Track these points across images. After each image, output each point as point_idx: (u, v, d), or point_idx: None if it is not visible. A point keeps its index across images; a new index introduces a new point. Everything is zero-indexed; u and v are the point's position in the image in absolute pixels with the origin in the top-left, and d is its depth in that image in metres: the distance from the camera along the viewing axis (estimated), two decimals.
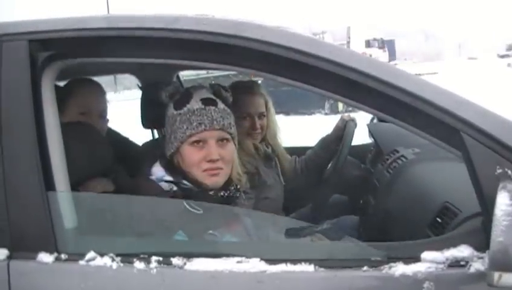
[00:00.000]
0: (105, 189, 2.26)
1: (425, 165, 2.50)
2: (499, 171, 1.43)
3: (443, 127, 1.50)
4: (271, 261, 1.49)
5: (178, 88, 2.04)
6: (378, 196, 2.73)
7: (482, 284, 1.36)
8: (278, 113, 3.24)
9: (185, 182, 1.95)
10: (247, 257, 1.50)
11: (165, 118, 2.02)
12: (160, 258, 1.52)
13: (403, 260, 1.46)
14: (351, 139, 3.02)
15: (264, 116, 3.00)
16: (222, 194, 1.98)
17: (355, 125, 3.13)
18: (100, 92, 2.75)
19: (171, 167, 1.98)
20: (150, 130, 3.51)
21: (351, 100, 1.59)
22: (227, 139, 1.98)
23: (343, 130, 3.09)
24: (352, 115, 3.25)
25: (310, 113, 18.34)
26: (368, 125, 3.58)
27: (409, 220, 2.19)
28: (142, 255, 1.54)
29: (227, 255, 1.51)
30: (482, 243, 1.42)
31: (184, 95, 1.99)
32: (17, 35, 1.65)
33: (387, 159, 2.86)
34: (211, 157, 1.92)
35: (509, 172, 1.42)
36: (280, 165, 3.15)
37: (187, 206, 1.90)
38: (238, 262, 1.49)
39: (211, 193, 1.96)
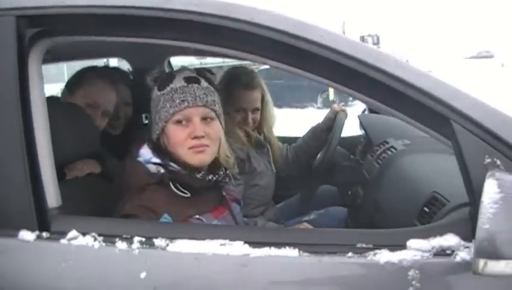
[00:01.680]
0: (92, 170, 2.25)
1: (414, 156, 2.49)
2: (488, 160, 1.42)
3: (434, 116, 1.49)
4: (255, 244, 1.47)
5: (163, 72, 2.05)
6: (367, 187, 2.72)
7: (468, 274, 1.35)
8: None
9: (172, 164, 1.93)
10: (231, 239, 1.48)
11: (151, 102, 2.01)
12: (143, 239, 1.50)
13: (389, 247, 1.44)
14: (341, 130, 3.01)
15: (258, 110, 2.98)
16: (210, 178, 1.97)
17: (346, 116, 3.12)
18: (111, 89, 2.75)
19: (158, 149, 1.97)
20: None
21: (342, 86, 1.58)
22: (211, 117, 1.96)
23: (333, 121, 3.08)
24: (345, 108, 3.24)
25: (303, 107, 18.31)
26: (358, 116, 3.57)
27: (397, 210, 2.18)
28: (124, 236, 1.52)
29: (211, 238, 1.50)
30: (468, 232, 1.41)
31: (167, 76, 2.00)
32: (4, 11, 1.61)
33: (377, 150, 2.85)
34: (196, 134, 1.90)
35: (498, 162, 1.41)
36: (272, 153, 3.14)
37: (174, 189, 1.89)
38: (221, 245, 1.47)
39: (198, 175, 1.95)
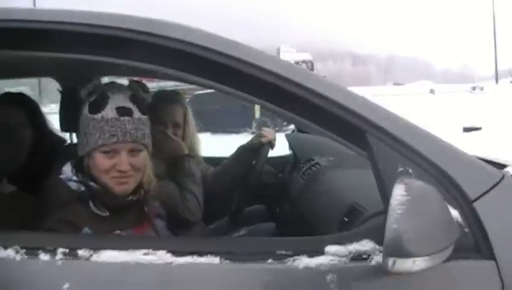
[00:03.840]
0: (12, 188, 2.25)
1: (338, 171, 2.56)
2: (401, 169, 1.49)
3: (350, 128, 1.56)
4: (177, 253, 1.49)
5: (97, 87, 1.99)
6: (293, 203, 2.77)
7: (383, 276, 1.41)
8: (205, 131, 3.23)
9: (92, 183, 1.93)
10: (154, 249, 1.50)
11: (80, 116, 1.99)
12: (67, 250, 1.50)
13: (307, 253, 1.49)
14: (264, 160, 3.03)
15: (179, 126, 2.99)
16: (130, 198, 1.98)
17: (272, 147, 3.13)
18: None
19: (81, 167, 1.97)
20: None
21: (267, 102, 1.62)
22: (139, 149, 1.96)
23: (257, 149, 3.13)
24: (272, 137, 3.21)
25: (237, 132, 18.44)
26: (286, 135, 3.62)
27: (320, 222, 2.23)
28: (48, 248, 1.52)
29: (135, 248, 1.51)
30: (383, 238, 1.47)
31: (100, 98, 1.94)
32: None
33: (303, 167, 2.91)
34: (121, 168, 1.90)
35: (410, 170, 1.49)
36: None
37: (93, 208, 1.91)
38: (144, 254, 1.49)
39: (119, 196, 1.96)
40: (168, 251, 1.50)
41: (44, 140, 2.89)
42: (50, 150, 2.72)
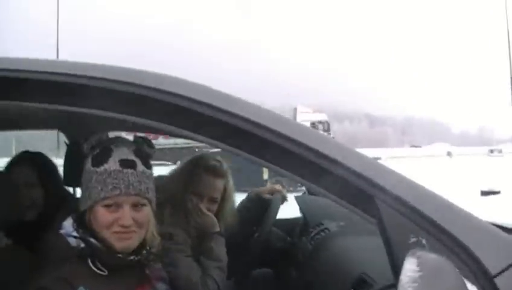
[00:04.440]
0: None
1: (347, 238, 2.50)
2: (413, 239, 1.38)
3: (358, 193, 1.45)
4: None
5: (100, 141, 1.96)
6: (299, 268, 2.69)
7: None
8: None
9: (92, 240, 1.85)
10: None
11: (83, 171, 1.93)
12: None
13: None
14: (275, 214, 2.97)
15: (216, 201, 2.77)
16: (132, 258, 1.88)
17: (284, 199, 3.08)
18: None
19: (83, 222, 1.89)
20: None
21: (275, 165, 1.54)
22: (142, 204, 1.89)
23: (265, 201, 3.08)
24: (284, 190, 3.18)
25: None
26: (295, 197, 3.55)
27: None
28: None
29: None
30: None
31: (103, 151, 1.90)
32: None
33: (311, 232, 2.85)
34: (123, 222, 1.83)
35: (424, 241, 1.37)
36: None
37: (91, 266, 1.83)
38: None
39: (119, 255, 1.85)
40: None
41: (55, 199, 2.85)
42: (58, 208, 2.66)
